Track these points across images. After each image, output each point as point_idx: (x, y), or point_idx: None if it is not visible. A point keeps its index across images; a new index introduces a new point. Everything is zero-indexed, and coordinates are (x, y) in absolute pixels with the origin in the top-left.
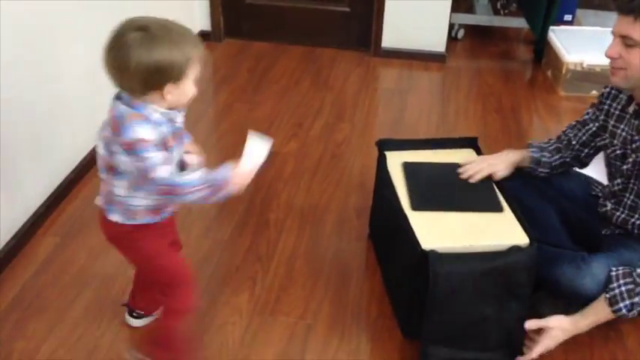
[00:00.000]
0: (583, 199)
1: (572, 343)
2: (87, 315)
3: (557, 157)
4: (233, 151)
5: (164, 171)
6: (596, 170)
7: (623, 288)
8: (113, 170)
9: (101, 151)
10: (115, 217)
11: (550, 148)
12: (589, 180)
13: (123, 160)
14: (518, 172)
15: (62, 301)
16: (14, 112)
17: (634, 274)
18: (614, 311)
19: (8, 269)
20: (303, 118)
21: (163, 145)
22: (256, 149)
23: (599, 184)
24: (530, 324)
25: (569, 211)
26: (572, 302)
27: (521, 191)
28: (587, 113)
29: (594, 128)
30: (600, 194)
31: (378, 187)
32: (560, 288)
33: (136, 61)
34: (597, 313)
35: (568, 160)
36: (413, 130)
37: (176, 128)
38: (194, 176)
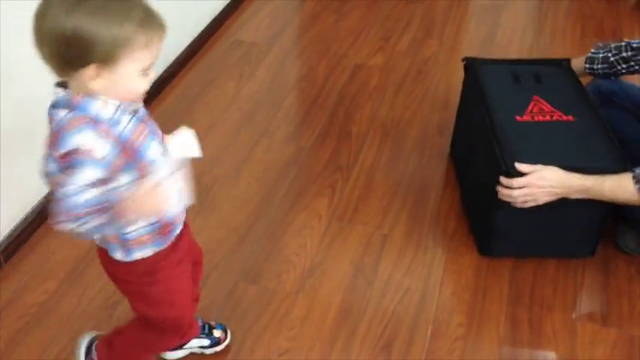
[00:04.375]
0: None
1: None
2: None
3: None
4: (317, 62)
5: (71, 190)
6: None
7: None
8: None
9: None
10: (118, 256)
11: (613, 45)
12: None
13: (56, 179)
14: (610, 98)
15: None
16: None
17: None
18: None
19: None
20: (391, 31)
21: (123, 158)
22: (179, 148)
23: None
24: (522, 167)
25: None
26: None
27: (616, 119)
28: None
29: None
30: None
31: (463, 104)
32: None
33: (50, 24)
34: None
35: None
36: (504, 50)
37: (140, 118)
38: (92, 194)
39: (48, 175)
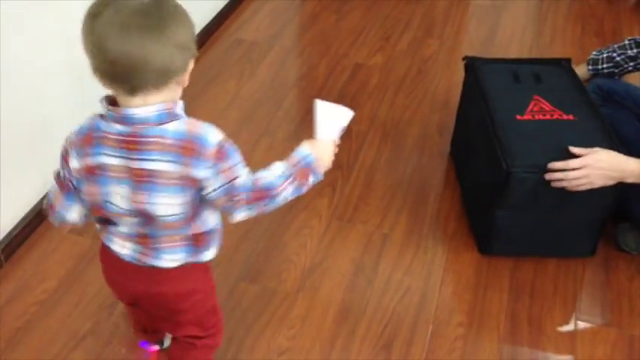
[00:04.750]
0: None
1: None
2: None
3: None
4: (318, 61)
5: (245, 173)
6: None
7: None
8: (196, 211)
9: (174, 209)
10: (210, 255)
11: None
12: None
13: (212, 181)
14: (611, 97)
15: None
16: None
17: None
18: None
19: None
20: (391, 31)
21: None
22: (332, 115)
23: None
24: (576, 149)
25: None
26: None
27: (616, 118)
28: None
29: None
30: None
31: (463, 104)
32: None
33: (158, 46)
34: None
35: None
36: (504, 50)
37: None
38: (278, 168)
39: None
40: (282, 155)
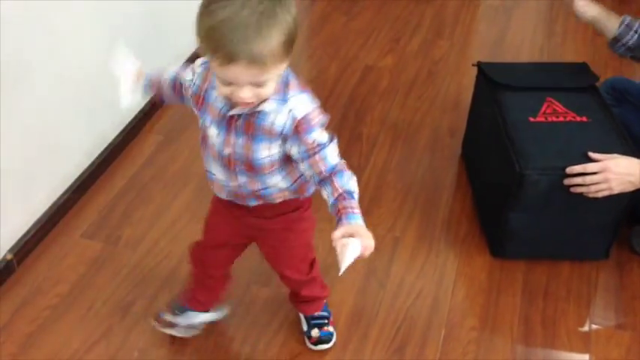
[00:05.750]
0: None
1: None
2: (187, 210)
3: None
4: (328, 63)
5: None
6: None
7: None
8: None
9: None
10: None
11: None
12: None
13: None
14: (624, 97)
15: (165, 195)
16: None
17: None
18: None
19: (117, 162)
20: (401, 32)
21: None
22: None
23: None
24: (595, 155)
25: None
26: None
27: (629, 118)
28: None
29: None
30: None
31: (475, 105)
32: None
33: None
34: None
35: None
36: (515, 51)
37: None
38: None
39: None
40: None
